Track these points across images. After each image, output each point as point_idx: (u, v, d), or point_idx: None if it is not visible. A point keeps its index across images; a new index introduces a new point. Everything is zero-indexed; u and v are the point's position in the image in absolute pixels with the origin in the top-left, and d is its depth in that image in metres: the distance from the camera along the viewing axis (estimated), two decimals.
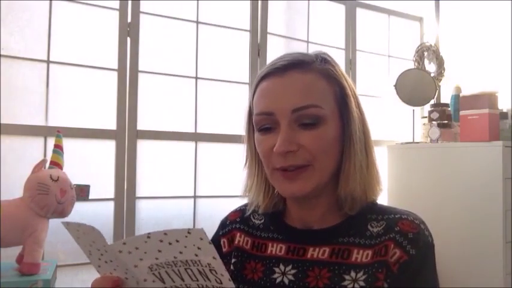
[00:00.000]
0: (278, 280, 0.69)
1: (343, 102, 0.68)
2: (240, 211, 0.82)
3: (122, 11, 1.83)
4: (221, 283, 0.55)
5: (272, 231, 0.75)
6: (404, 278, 0.63)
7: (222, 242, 0.79)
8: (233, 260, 0.76)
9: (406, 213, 0.69)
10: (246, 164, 0.76)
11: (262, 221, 0.77)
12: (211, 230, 0.85)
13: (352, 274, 0.65)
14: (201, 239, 0.52)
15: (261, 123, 0.68)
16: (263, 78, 0.69)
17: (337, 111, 0.67)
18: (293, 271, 0.69)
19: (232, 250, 0.77)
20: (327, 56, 0.71)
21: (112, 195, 1.79)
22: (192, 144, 2.02)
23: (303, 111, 0.64)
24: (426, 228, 0.68)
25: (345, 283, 0.65)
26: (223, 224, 0.82)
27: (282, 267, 0.70)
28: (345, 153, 0.68)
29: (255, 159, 0.73)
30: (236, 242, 0.77)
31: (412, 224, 0.66)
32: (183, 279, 0.57)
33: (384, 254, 0.64)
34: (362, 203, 0.69)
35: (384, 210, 0.70)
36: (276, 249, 0.72)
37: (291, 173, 0.65)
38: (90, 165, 1.77)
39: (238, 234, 0.78)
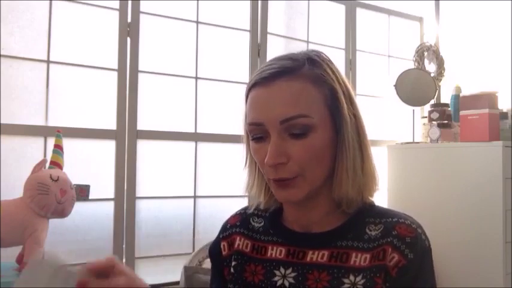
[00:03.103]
0: (279, 283, 0.70)
1: (334, 106, 0.67)
2: (240, 215, 0.82)
3: (122, 11, 1.83)
4: None
5: (272, 235, 0.75)
6: (403, 281, 0.63)
7: (221, 245, 0.80)
8: (233, 263, 0.76)
9: (404, 217, 0.69)
10: (246, 163, 0.77)
11: (262, 224, 0.78)
12: (211, 230, 0.85)
13: (351, 278, 0.65)
14: None
15: (253, 133, 0.68)
16: (253, 86, 0.68)
17: (328, 116, 0.67)
18: (293, 274, 0.69)
19: (232, 253, 0.78)
20: (317, 57, 0.69)
21: (112, 195, 1.79)
22: (192, 144, 2.02)
23: (292, 122, 0.64)
24: (423, 233, 0.68)
25: (344, 286, 0.65)
26: (224, 228, 0.82)
27: (282, 270, 0.71)
28: (338, 157, 0.68)
29: (254, 159, 0.74)
30: (236, 246, 0.78)
31: (409, 228, 0.66)
32: None
33: (382, 258, 0.65)
34: (358, 202, 0.70)
35: (381, 213, 0.70)
36: (275, 252, 0.73)
37: (283, 183, 0.66)
38: (90, 165, 1.77)
39: (238, 238, 0.78)
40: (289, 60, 0.67)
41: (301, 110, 0.64)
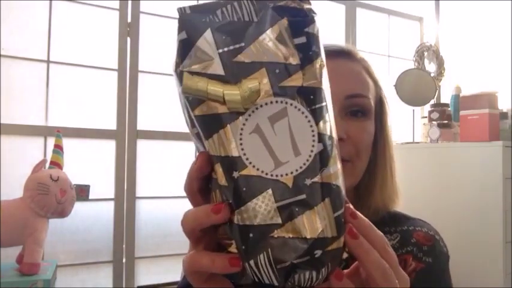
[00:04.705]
0: None
1: (380, 103, 0.65)
2: None
3: (122, 11, 1.83)
4: None
5: None
6: (422, 284, 0.61)
7: None
8: None
9: (420, 224, 0.67)
10: None
11: None
12: None
13: None
14: None
15: None
16: None
17: (373, 111, 0.64)
18: None
19: None
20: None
21: (112, 195, 1.79)
22: (192, 144, 2.01)
23: (356, 100, 0.61)
24: (441, 239, 0.67)
25: None
26: None
27: None
28: (379, 156, 0.65)
29: None
30: None
31: (426, 236, 0.65)
32: None
33: (403, 267, 0.64)
34: (382, 212, 0.66)
35: (397, 221, 0.68)
36: None
37: None
38: (90, 165, 1.77)
39: None
40: (346, 46, 0.66)
41: (364, 90, 0.62)
